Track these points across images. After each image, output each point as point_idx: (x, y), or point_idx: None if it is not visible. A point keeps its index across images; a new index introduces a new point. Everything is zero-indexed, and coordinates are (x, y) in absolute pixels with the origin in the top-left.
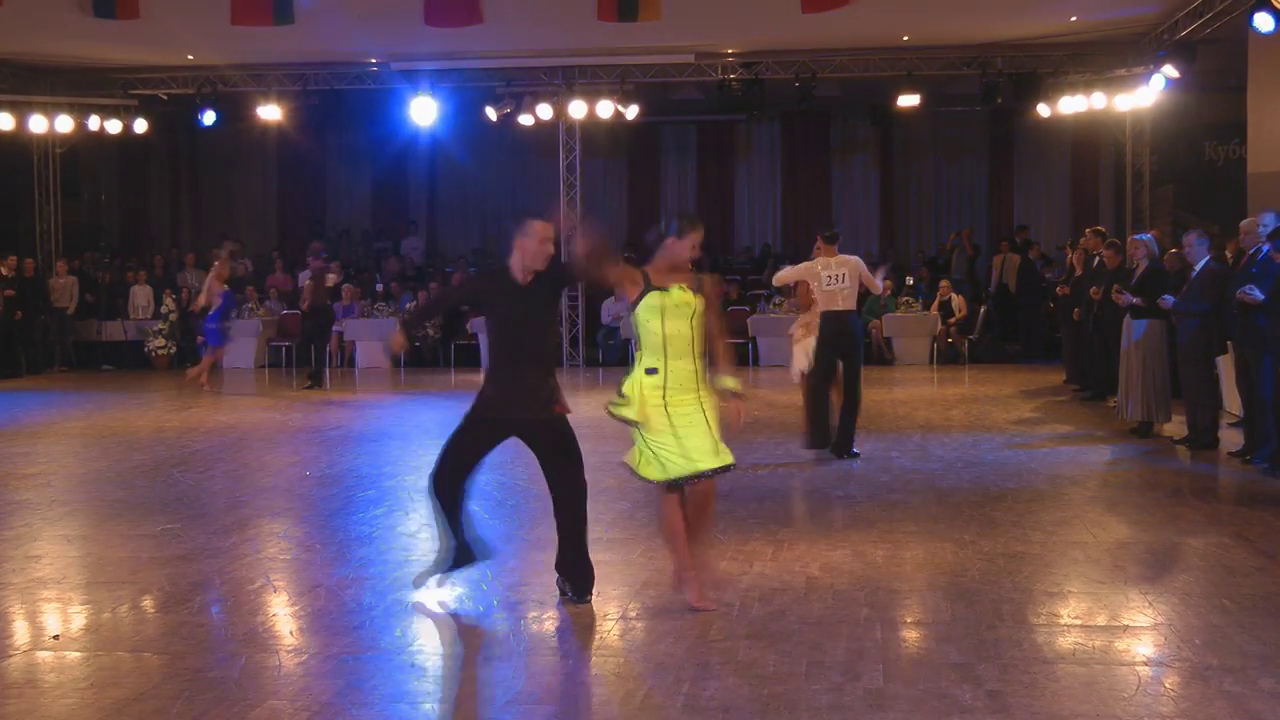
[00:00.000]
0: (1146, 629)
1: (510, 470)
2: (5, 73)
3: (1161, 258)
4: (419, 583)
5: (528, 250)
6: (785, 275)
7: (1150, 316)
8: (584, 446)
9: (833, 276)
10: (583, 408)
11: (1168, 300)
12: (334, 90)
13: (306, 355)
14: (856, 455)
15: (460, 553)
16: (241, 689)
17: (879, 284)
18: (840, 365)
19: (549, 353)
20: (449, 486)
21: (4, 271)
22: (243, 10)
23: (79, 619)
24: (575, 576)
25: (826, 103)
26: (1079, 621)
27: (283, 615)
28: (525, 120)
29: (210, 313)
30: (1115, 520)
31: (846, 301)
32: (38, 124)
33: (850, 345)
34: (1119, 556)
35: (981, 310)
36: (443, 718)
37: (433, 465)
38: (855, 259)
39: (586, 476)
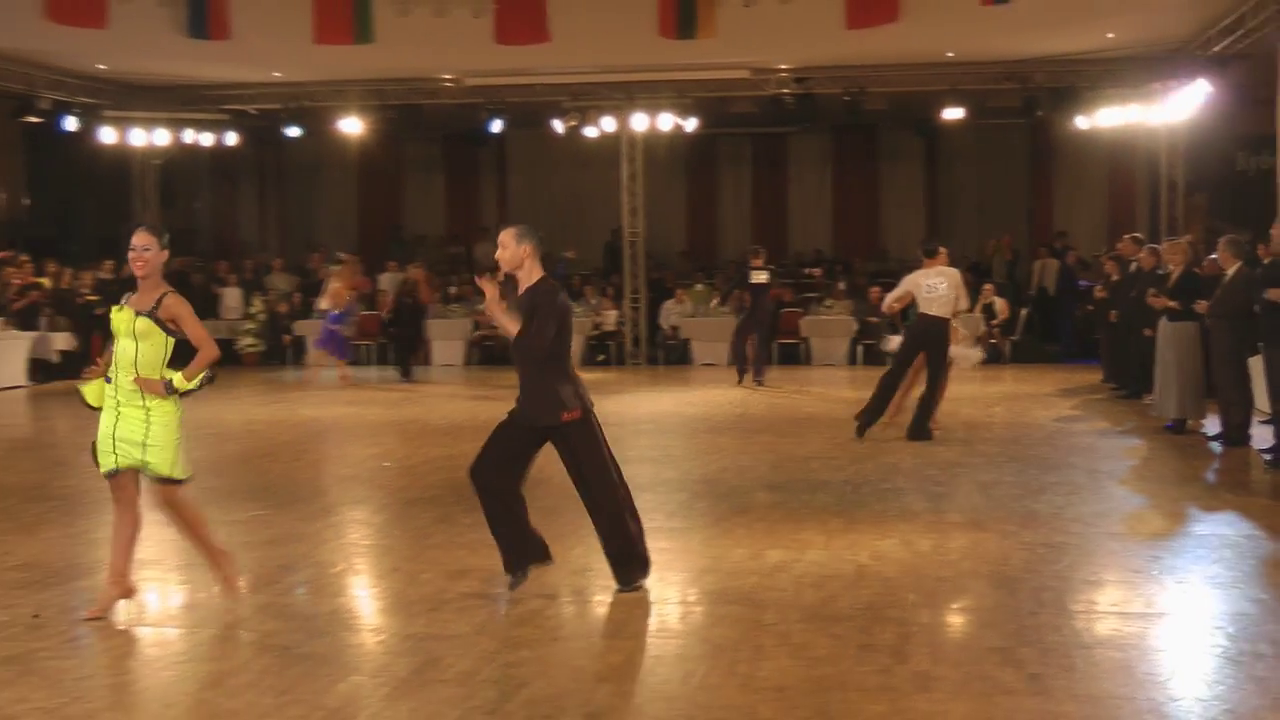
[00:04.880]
0: (1181, 616)
1: None
2: (109, 90)
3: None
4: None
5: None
6: (892, 295)
7: (1185, 319)
8: (645, 440)
9: (931, 286)
10: (645, 404)
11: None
12: (411, 104)
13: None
14: (930, 438)
15: (518, 553)
16: (326, 664)
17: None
18: (923, 361)
19: (537, 359)
20: (487, 480)
21: (104, 275)
22: (326, 30)
23: (176, 598)
24: (613, 565)
25: (874, 115)
26: (1116, 609)
27: (364, 596)
28: (590, 132)
29: (333, 314)
30: (1151, 513)
31: (941, 308)
32: (138, 137)
33: (935, 345)
34: (1155, 547)
35: (1022, 312)
36: (512, 695)
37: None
38: (955, 271)
39: (649, 470)
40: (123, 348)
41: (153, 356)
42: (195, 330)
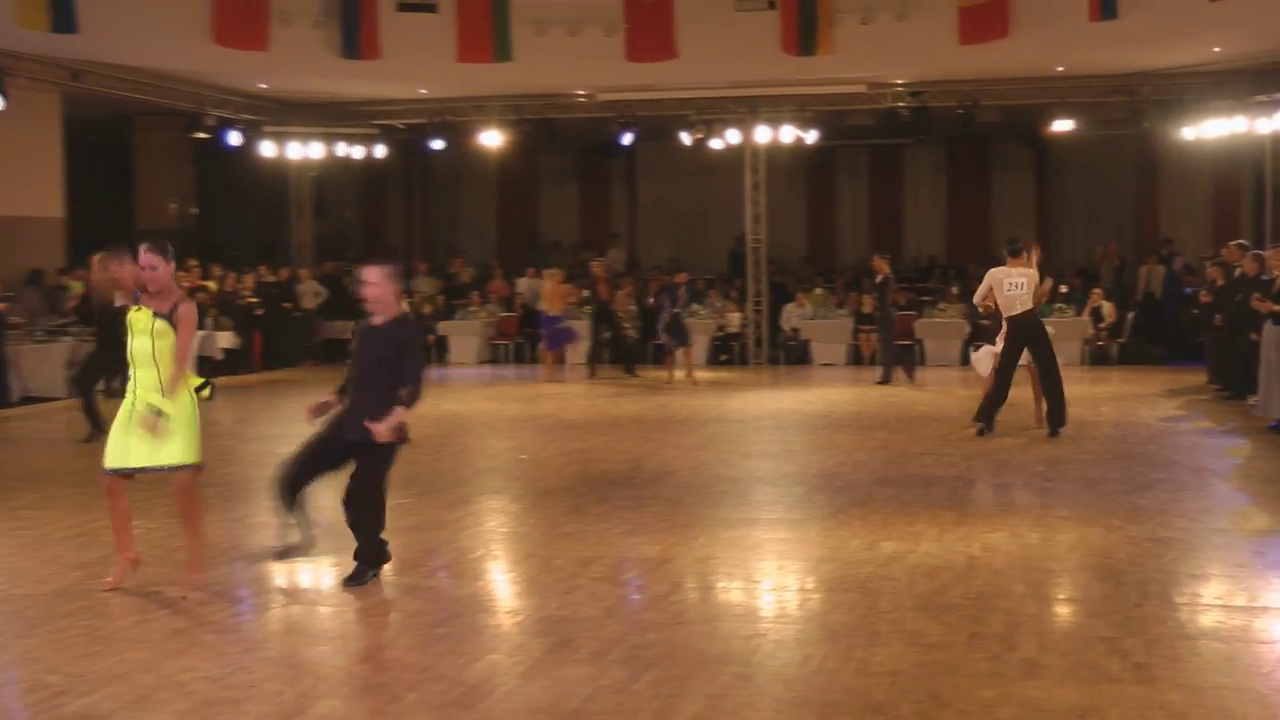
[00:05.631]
0: None
1: (702, 454)
2: (269, 108)
3: None
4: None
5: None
6: (980, 293)
7: None
8: (766, 436)
9: (1013, 284)
10: (766, 402)
11: None
12: (547, 118)
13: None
14: (1057, 434)
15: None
16: (465, 643)
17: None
18: (1030, 357)
19: (387, 387)
20: (290, 486)
21: (264, 278)
22: (468, 50)
23: (328, 579)
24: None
25: (987, 127)
26: (1220, 602)
27: (501, 580)
28: (715, 144)
29: (551, 316)
30: (1255, 509)
31: (1024, 304)
32: (294, 151)
33: (1035, 339)
34: (1258, 543)
35: (1129, 316)
36: (639, 675)
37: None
38: (1033, 270)
39: (769, 464)
40: (140, 345)
41: (169, 354)
42: (183, 344)
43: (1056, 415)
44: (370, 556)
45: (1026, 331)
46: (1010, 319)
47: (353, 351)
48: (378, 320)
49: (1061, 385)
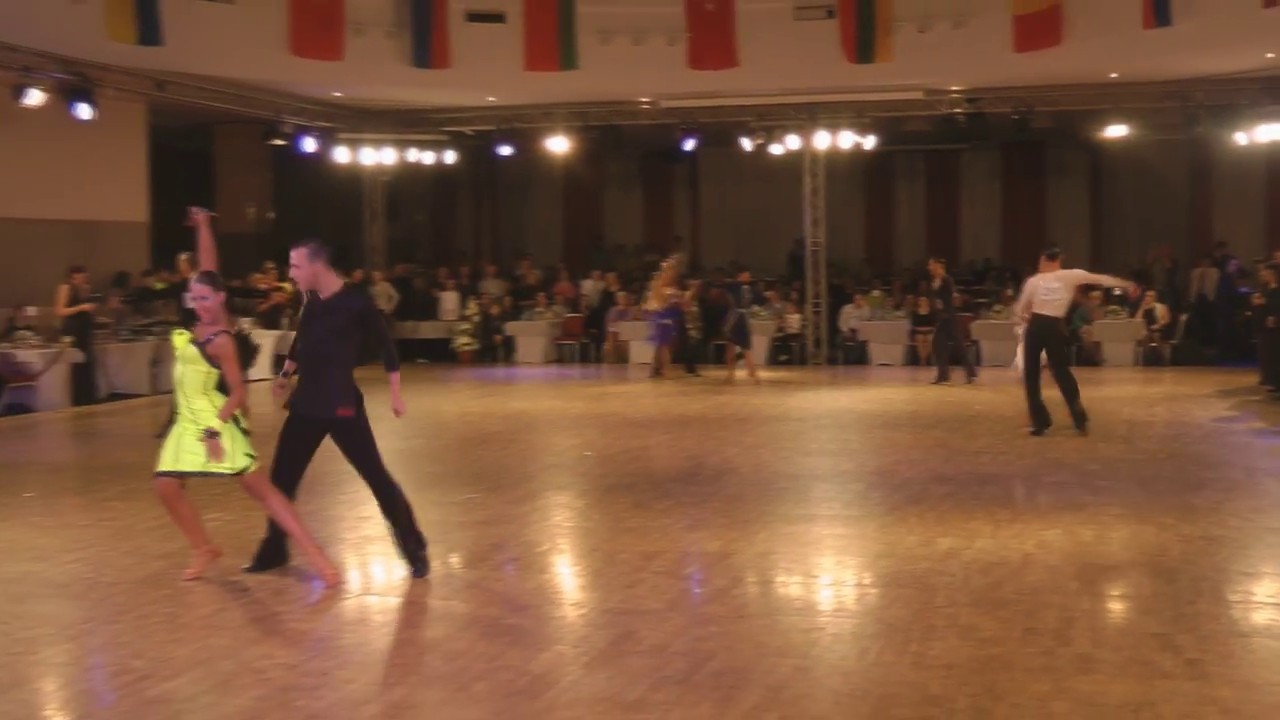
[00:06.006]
0: None
1: (763, 452)
2: (343, 115)
3: None
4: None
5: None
6: (1020, 305)
7: None
8: (825, 435)
9: (1048, 289)
10: (825, 402)
11: None
12: (611, 125)
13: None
14: (1084, 431)
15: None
16: (531, 635)
17: (1105, 280)
18: (1045, 359)
19: (337, 360)
20: (283, 481)
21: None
22: (535, 59)
23: (399, 571)
24: (407, 557)
25: (1042, 133)
26: (1272, 600)
27: (566, 574)
28: (775, 149)
29: (660, 312)
30: None
31: (1055, 309)
32: (367, 157)
33: (1052, 342)
34: None
35: (1182, 318)
36: (700, 667)
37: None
38: (1073, 271)
39: (828, 462)
40: (177, 368)
41: (195, 381)
42: (232, 374)
43: (1078, 417)
44: (413, 539)
45: (1044, 333)
46: (1034, 316)
47: (300, 326)
48: (325, 294)
49: (1076, 386)
